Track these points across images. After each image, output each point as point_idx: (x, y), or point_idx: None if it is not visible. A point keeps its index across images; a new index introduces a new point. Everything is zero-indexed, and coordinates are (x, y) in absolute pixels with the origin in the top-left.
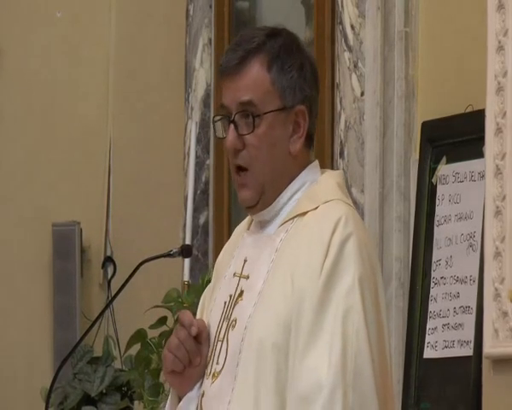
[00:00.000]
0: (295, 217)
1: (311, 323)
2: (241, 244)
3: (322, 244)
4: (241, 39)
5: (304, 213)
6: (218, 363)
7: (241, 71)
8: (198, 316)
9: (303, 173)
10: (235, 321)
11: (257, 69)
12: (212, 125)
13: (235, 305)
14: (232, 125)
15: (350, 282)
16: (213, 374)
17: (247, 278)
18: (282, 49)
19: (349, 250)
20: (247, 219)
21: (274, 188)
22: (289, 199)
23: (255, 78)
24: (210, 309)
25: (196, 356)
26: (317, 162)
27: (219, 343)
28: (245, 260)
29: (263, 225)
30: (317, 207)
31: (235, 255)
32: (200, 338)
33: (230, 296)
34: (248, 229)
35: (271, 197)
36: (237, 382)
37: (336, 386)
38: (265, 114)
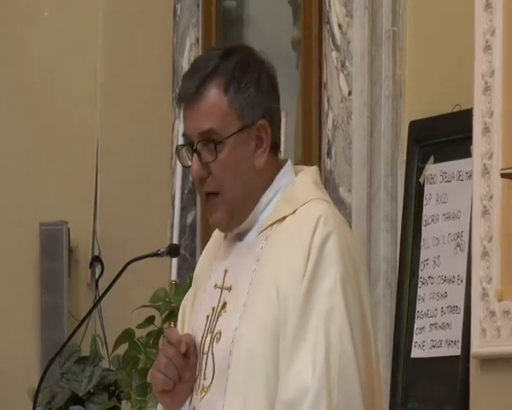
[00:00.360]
0: (274, 223)
1: (295, 328)
2: (220, 254)
3: (303, 247)
4: (196, 65)
5: (282, 219)
6: (205, 378)
7: (199, 99)
8: (179, 325)
9: (278, 178)
10: (220, 334)
11: (213, 94)
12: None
13: (218, 317)
14: (195, 155)
15: (331, 283)
16: (202, 389)
17: (230, 289)
18: (237, 67)
19: (329, 250)
20: None
21: (245, 205)
22: (265, 207)
23: (212, 104)
24: (193, 323)
25: (185, 371)
26: (288, 164)
27: (204, 356)
28: (225, 271)
29: (241, 234)
30: (295, 211)
31: (215, 266)
32: (188, 353)
33: (213, 309)
34: (226, 238)
35: (246, 211)
36: (227, 396)
37: (321, 389)
38: (227, 138)
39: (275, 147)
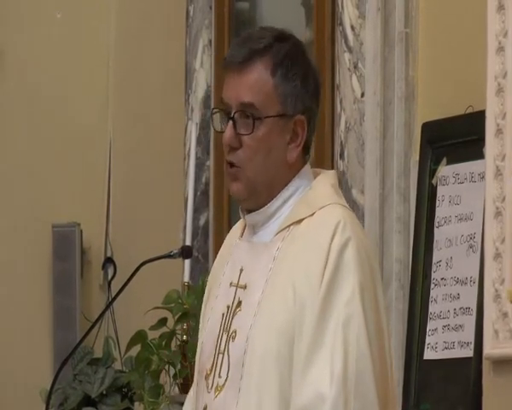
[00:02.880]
0: (291, 225)
1: (313, 334)
2: (235, 252)
3: (322, 252)
4: (248, 37)
5: (300, 221)
6: (220, 376)
7: (245, 70)
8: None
9: (296, 179)
10: (235, 333)
11: (261, 71)
12: (210, 120)
13: (233, 316)
14: (231, 123)
15: (350, 291)
16: (216, 387)
17: (245, 287)
18: (288, 55)
19: (348, 256)
20: (240, 224)
21: (266, 191)
22: (283, 205)
23: (258, 79)
24: (207, 319)
25: None
26: (308, 166)
27: (220, 356)
28: (241, 270)
29: (256, 230)
30: (313, 214)
31: (230, 263)
32: None
33: (228, 307)
34: (242, 236)
35: (263, 199)
36: (241, 394)
37: (338, 397)
38: (266, 117)
39: (306, 150)
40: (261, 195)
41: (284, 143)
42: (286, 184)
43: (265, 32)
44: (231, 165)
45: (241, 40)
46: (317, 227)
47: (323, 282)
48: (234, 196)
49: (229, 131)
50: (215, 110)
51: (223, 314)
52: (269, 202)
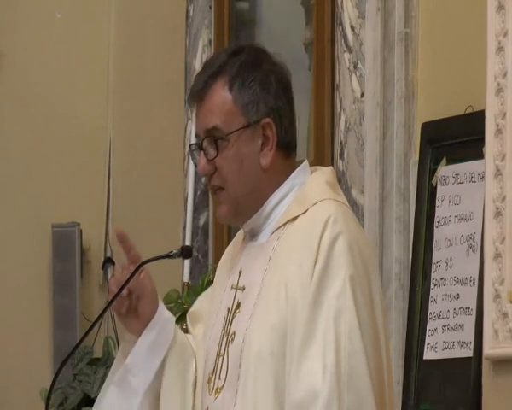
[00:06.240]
0: (286, 223)
1: (304, 330)
2: (237, 255)
3: (312, 248)
4: (205, 64)
5: (294, 219)
6: (220, 378)
7: (205, 96)
8: (189, 328)
9: (291, 177)
10: (234, 334)
11: (218, 92)
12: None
13: (233, 318)
14: (202, 152)
15: (340, 284)
16: (216, 390)
17: (243, 289)
18: (242, 65)
19: (339, 251)
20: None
21: (251, 201)
22: (277, 205)
23: (217, 101)
24: (212, 324)
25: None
26: (305, 164)
27: (221, 358)
28: (240, 272)
29: (254, 233)
30: (306, 211)
31: (233, 267)
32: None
33: (228, 310)
34: (244, 239)
35: (251, 209)
36: (238, 396)
37: (332, 391)
38: (228, 134)
39: (285, 147)
40: (247, 208)
41: (256, 151)
42: (272, 188)
43: (221, 52)
44: (216, 190)
45: (200, 70)
46: (308, 224)
47: (314, 277)
48: (221, 220)
49: (201, 160)
50: (192, 146)
51: (224, 317)
52: (257, 209)
